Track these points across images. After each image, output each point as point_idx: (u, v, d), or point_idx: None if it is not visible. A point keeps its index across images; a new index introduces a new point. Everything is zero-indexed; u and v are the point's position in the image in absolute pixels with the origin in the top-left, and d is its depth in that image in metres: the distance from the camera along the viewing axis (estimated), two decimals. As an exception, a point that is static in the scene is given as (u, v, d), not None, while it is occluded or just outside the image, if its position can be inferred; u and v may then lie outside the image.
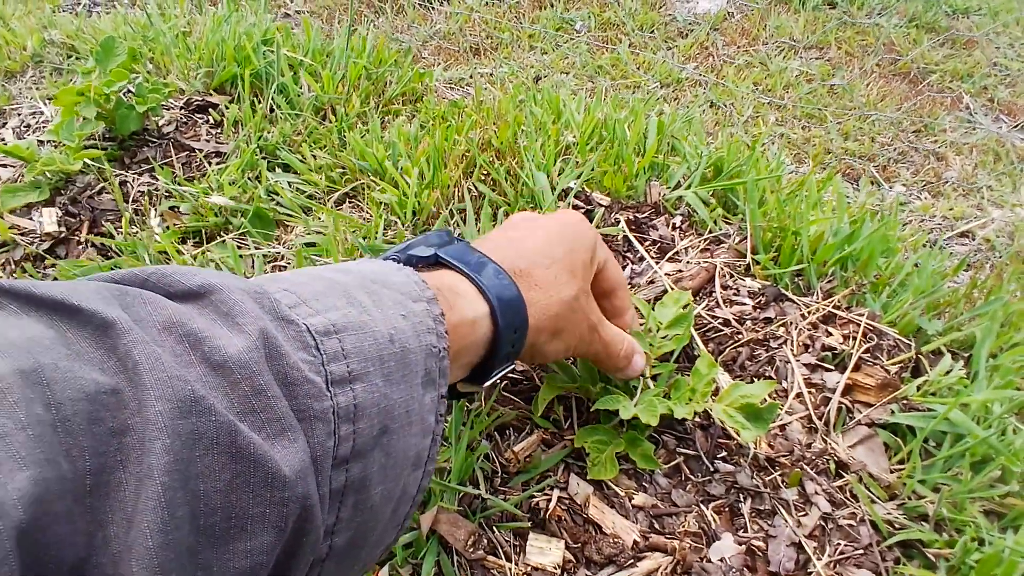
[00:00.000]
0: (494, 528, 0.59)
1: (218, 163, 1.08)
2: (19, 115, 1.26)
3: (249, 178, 1.05)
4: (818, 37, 2.44)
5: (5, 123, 1.25)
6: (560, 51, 2.34)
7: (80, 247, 0.94)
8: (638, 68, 2.21)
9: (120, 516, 0.25)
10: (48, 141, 1.06)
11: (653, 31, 2.49)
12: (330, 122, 1.19)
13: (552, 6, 2.66)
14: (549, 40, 2.42)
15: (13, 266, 0.92)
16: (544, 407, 0.65)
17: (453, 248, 0.49)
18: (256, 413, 0.29)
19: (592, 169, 1.07)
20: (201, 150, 1.10)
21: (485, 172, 1.07)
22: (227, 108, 1.19)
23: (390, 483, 0.37)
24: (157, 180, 1.04)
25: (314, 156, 1.10)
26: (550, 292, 0.50)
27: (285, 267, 0.92)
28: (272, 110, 1.21)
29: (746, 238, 0.97)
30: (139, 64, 1.23)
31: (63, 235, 0.94)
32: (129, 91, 1.09)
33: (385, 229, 0.97)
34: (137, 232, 0.94)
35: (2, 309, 0.27)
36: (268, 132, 1.15)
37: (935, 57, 2.58)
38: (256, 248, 0.96)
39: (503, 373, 0.51)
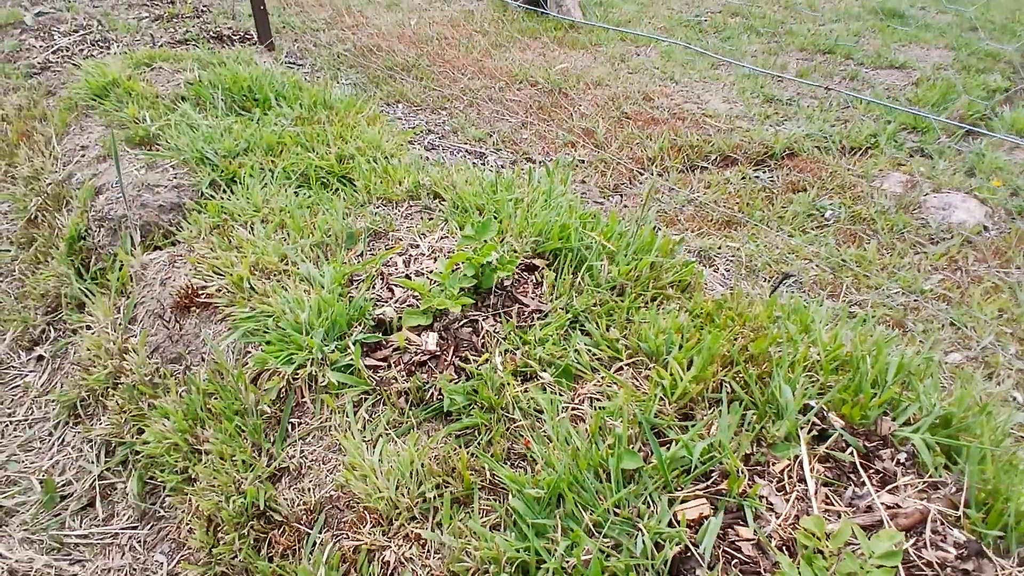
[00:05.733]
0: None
1: (540, 320, 1.48)
2: (404, 247, 1.79)
3: (560, 336, 1.43)
4: (1085, 272, 2.39)
5: (393, 247, 1.78)
6: (807, 236, 2.57)
7: (445, 364, 1.37)
8: (882, 269, 2.36)
9: None
10: (434, 282, 1.54)
11: (904, 232, 2.62)
12: (619, 298, 1.56)
13: (805, 191, 2.90)
14: (798, 224, 2.66)
15: (402, 366, 1.37)
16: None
17: None
18: None
19: (831, 388, 1.30)
20: (528, 306, 1.51)
21: (739, 373, 1.34)
22: (546, 272, 1.61)
23: None
24: (498, 324, 1.46)
25: (607, 328, 1.46)
26: None
27: (581, 418, 1.26)
28: (578, 278, 1.60)
29: (962, 490, 1.12)
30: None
31: (437, 353, 1.38)
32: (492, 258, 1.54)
33: (657, 404, 1.27)
34: (487, 362, 1.35)
35: None
36: (574, 299, 1.53)
37: None
38: (559, 394, 1.32)
39: None
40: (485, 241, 1.53)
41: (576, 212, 1.79)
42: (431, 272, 1.63)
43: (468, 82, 4.04)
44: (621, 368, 1.40)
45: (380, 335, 1.44)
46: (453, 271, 1.50)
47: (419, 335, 1.42)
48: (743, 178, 3.03)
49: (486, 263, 1.48)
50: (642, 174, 3.09)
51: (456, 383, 1.30)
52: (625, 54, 4.59)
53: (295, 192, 2.13)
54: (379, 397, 1.33)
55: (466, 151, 3.12)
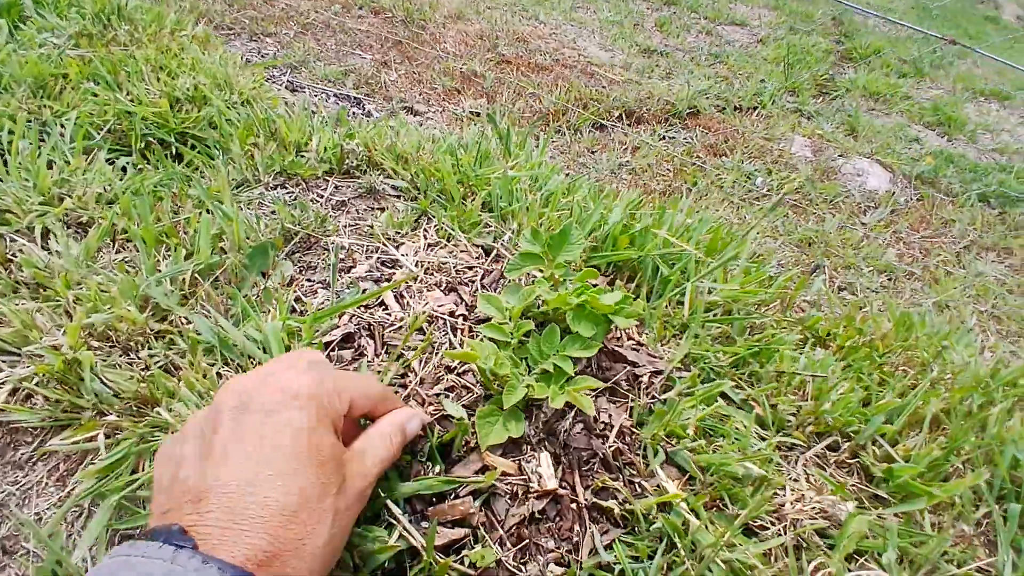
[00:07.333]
0: None
1: (663, 386, 0.90)
2: (367, 256, 1.05)
3: (714, 421, 0.87)
4: (995, 238, 2.46)
5: (352, 267, 1.05)
6: (758, 208, 2.27)
7: (575, 511, 0.73)
8: (842, 244, 2.15)
9: None
10: (497, 341, 0.86)
11: (835, 202, 2.46)
12: (729, 327, 1.04)
13: (726, 156, 2.61)
14: (739, 194, 2.36)
15: (502, 533, 0.71)
16: None
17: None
18: None
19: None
20: (638, 364, 0.92)
21: (960, 444, 0.92)
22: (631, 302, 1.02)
23: None
24: (612, 405, 0.85)
25: (769, 395, 0.93)
26: (302, 555, 0.47)
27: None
28: (669, 305, 1.05)
29: None
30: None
31: (560, 492, 0.74)
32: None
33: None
34: (642, 494, 0.75)
35: None
36: (686, 343, 0.98)
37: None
38: (762, 527, 0.77)
39: None
40: (566, 263, 0.89)
41: (628, 201, 1.20)
42: (453, 315, 0.94)
43: (291, 2, 3.08)
44: (809, 460, 0.90)
45: (437, 472, 0.74)
46: (524, 321, 0.84)
47: (508, 457, 0.76)
48: (661, 139, 2.65)
49: (612, 311, 0.84)
50: (547, 129, 2.54)
51: (612, 548, 0.68)
52: (471, -16, 3.91)
53: (110, 164, 1.23)
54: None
55: (335, 95, 2.26)
